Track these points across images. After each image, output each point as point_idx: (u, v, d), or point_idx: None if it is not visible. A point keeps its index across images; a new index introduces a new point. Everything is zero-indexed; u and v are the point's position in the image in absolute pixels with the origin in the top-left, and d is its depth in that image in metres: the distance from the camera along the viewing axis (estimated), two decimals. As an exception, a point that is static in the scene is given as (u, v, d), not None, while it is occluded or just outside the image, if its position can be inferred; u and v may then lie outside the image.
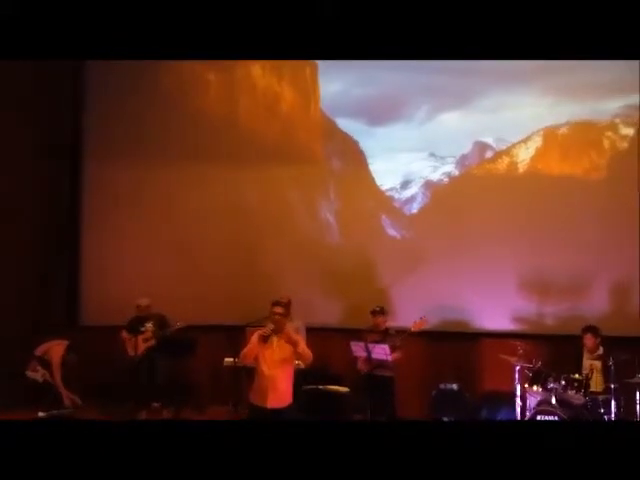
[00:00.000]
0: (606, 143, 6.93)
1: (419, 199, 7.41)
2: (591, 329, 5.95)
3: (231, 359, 6.28)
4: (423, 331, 6.16)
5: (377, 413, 5.74)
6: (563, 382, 5.59)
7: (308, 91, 7.66)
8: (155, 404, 6.73)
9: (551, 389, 5.59)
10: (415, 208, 7.42)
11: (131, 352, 6.71)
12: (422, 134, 7.29)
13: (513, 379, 6.03)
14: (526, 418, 5.75)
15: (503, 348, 6.22)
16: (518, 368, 5.98)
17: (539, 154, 7.06)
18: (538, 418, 5.52)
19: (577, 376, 5.64)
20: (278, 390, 4.61)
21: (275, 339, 4.66)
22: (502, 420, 6.32)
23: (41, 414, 6.27)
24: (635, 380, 5.59)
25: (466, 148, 7.25)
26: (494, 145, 7.22)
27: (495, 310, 6.90)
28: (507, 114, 7.02)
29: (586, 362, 5.88)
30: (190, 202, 7.71)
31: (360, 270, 7.28)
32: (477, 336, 6.96)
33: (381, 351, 5.77)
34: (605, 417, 5.58)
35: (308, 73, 7.62)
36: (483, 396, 6.75)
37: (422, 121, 7.32)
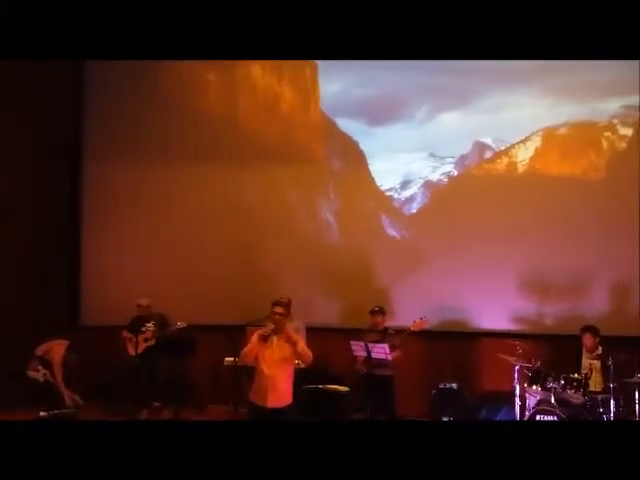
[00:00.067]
0: (605, 143, 6.94)
1: (419, 199, 7.42)
2: (590, 329, 5.96)
3: (231, 359, 6.29)
4: (423, 331, 6.18)
5: (377, 412, 5.75)
6: (562, 382, 5.60)
7: (308, 91, 7.66)
8: (156, 404, 6.75)
9: (550, 389, 5.60)
10: (415, 208, 7.43)
11: (132, 352, 6.72)
12: (422, 134, 7.30)
13: (512, 379, 6.04)
14: (525, 417, 5.75)
15: (502, 348, 6.23)
16: (517, 368, 5.99)
17: (538, 154, 7.07)
18: (537, 417, 5.53)
19: (576, 376, 5.64)
20: (278, 390, 4.61)
21: (275, 339, 4.66)
22: (501, 420, 6.33)
23: (42, 414, 6.27)
24: (634, 380, 5.60)
25: (466, 148, 7.26)
26: (493, 145, 7.23)
27: (494, 310, 6.91)
28: (507, 114, 7.03)
29: (585, 362, 5.88)
30: (190, 202, 7.72)
31: (360, 270, 7.29)
32: (476, 336, 6.97)
33: (381, 350, 5.78)
34: (604, 417, 5.59)
35: (308, 73, 7.63)
36: (483, 395, 6.76)
37: (422, 121, 7.33)
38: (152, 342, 6.72)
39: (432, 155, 7.37)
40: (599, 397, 5.64)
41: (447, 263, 7.04)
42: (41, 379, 6.68)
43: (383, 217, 7.49)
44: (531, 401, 5.91)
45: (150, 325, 6.67)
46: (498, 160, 7.23)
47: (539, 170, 7.09)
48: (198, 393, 7.07)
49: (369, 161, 7.47)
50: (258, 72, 7.76)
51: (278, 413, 4.57)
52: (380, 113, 7.39)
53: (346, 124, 7.50)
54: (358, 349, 5.93)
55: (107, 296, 7.56)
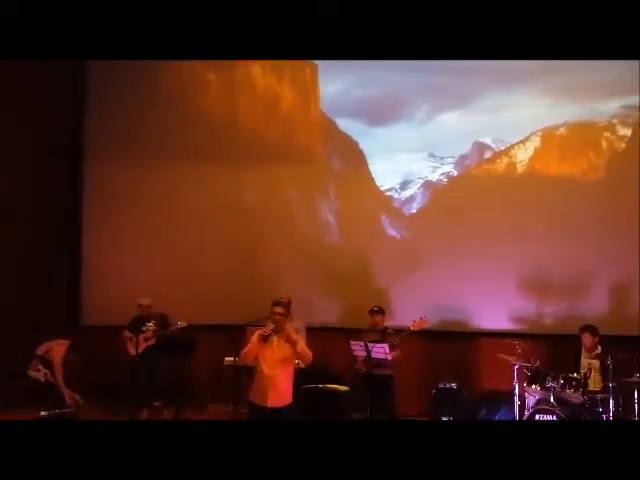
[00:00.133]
0: (604, 144, 6.95)
1: (418, 199, 7.43)
2: (589, 328, 5.97)
3: (231, 358, 6.29)
4: (422, 330, 6.18)
5: (377, 412, 5.75)
6: (561, 381, 5.61)
7: (308, 91, 7.67)
8: (156, 403, 6.76)
9: (549, 388, 5.61)
10: (414, 208, 7.44)
11: (132, 351, 6.73)
12: (422, 134, 7.31)
13: (512, 378, 6.05)
14: (525, 417, 5.76)
15: (502, 347, 6.24)
16: (517, 367, 6.00)
17: (538, 154, 7.08)
18: (537, 417, 5.53)
19: (575, 375, 5.64)
20: (278, 389, 4.62)
21: (275, 339, 4.67)
22: (501, 419, 6.34)
23: (43, 413, 6.27)
24: (633, 379, 5.61)
25: (465, 148, 7.27)
26: (493, 145, 7.24)
27: (494, 309, 6.92)
28: (506, 114, 7.04)
29: (584, 361, 5.89)
30: (190, 202, 7.72)
31: (360, 270, 7.30)
32: (476, 335, 6.98)
33: (380, 350, 5.79)
34: (603, 416, 5.60)
35: (308, 73, 7.64)
36: (482, 395, 6.77)
37: (422, 121, 7.34)
38: (152, 342, 6.73)
39: (432, 155, 7.38)
40: (598, 396, 5.64)
41: (447, 263, 7.04)
42: (42, 379, 6.69)
43: (383, 217, 7.49)
44: (530, 400, 5.92)
45: (151, 325, 6.68)
46: (498, 160, 7.24)
47: (538, 170, 7.09)
48: (198, 393, 7.08)
49: (369, 161, 7.48)
50: (258, 72, 7.77)
51: (278, 413, 4.57)
52: (380, 113, 7.39)
53: (346, 124, 7.51)
54: (358, 349, 5.94)
55: (107, 296, 7.57)
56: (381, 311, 6.30)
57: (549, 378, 5.64)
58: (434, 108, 7.29)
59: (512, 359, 6.01)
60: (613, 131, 6.89)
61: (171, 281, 7.45)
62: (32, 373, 6.72)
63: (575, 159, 7.02)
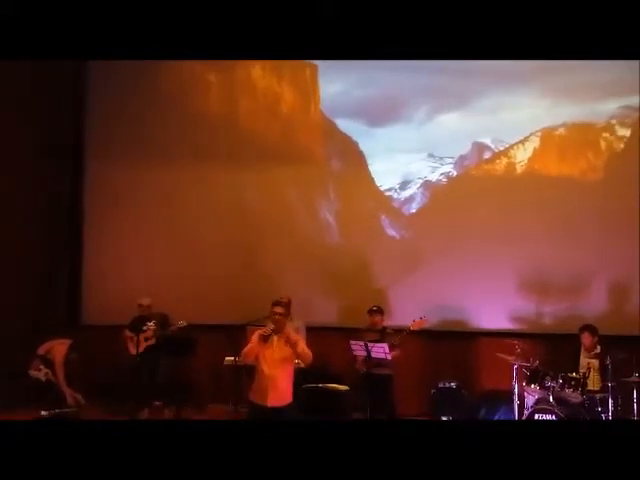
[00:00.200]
0: (603, 144, 6.96)
1: (418, 199, 7.44)
2: (588, 328, 5.97)
3: (231, 358, 6.30)
4: (422, 330, 6.19)
5: (376, 411, 5.75)
6: (560, 381, 5.61)
7: (308, 92, 7.68)
8: (156, 403, 6.76)
9: (549, 388, 5.61)
10: (414, 208, 7.45)
11: (133, 351, 6.74)
12: (421, 135, 7.32)
13: (511, 378, 6.06)
14: (524, 416, 5.77)
15: (501, 347, 6.25)
16: (516, 367, 6.01)
17: (537, 155, 7.09)
18: (536, 416, 5.54)
19: (574, 375, 5.65)
20: (278, 389, 4.63)
21: (275, 339, 4.67)
22: (500, 419, 6.35)
23: (44, 413, 6.28)
24: (632, 379, 5.62)
25: (465, 149, 7.28)
26: (492, 146, 7.25)
27: (493, 309, 6.92)
28: (505, 115, 7.05)
29: (583, 361, 5.90)
30: (190, 202, 7.73)
31: (359, 270, 7.30)
32: (475, 335, 6.99)
33: (380, 350, 5.79)
34: (602, 416, 5.61)
35: (308, 74, 7.64)
36: (481, 394, 6.77)
37: (421, 122, 7.35)
38: (152, 341, 6.74)
39: (431, 155, 7.39)
40: (597, 396, 5.65)
41: (446, 263, 7.05)
42: (43, 378, 6.70)
43: (383, 217, 7.50)
44: (529, 400, 5.93)
45: (151, 324, 6.69)
46: (497, 160, 7.25)
47: (538, 170, 7.10)
48: (198, 392, 7.09)
49: (369, 161, 7.48)
50: (258, 73, 7.78)
51: (278, 412, 4.58)
52: (380, 114, 7.40)
53: (346, 125, 7.52)
54: (358, 348, 5.94)
55: (107, 295, 7.58)
56: (380, 311, 6.31)
57: (548, 378, 5.64)
58: (434, 108, 7.30)
59: (511, 359, 6.02)
60: (612, 131, 6.90)
61: (171, 281, 7.45)
62: (33, 373, 6.72)
63: (574, 159, 7.03)
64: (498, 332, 6.77)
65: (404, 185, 7.46)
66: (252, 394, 4.74)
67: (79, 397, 6.78)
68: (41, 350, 6.79)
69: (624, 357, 5.65)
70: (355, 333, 6.22)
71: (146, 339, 6.73)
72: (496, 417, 6.40)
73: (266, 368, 4.63)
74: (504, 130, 7.10)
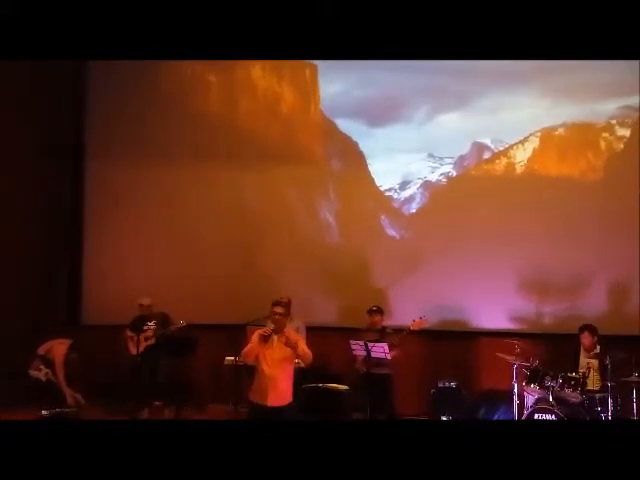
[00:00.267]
0: (603, 144, 6.97)
1: (418, 199, 7.44)
2: (588, 328, 5.98)
3: (232, 358, 6.31)
4: (422, 330, 6.19)
5: (376, 411, 5.76)
6: (560, 380, 5.62)
7: (308, 92, 7.68)
8: (157, 403, 6.77)
9: (548, 387, 5.62)
10: (414, 208, 7.45)
11: (133, 350, 6.75)
12: (421, 135, 7.32)
13: (511, 377, 6.06)
14: (523, 416, 5.77)
15: (501, 347, 6.25)
16: (516, 367, 6.01)
17: (537, 155, 7.09)
18: (535, 416, 5.54)
19: (574, 374, 5.66)
20: (278, 389, 4.63)
21: (275, 339, 4.68)
22: (500, 418, 6.36)
23: (44, 413, 6.28)
24: (632, 379, 5.62)
25: (464, 149, 7.28)
26: (492, 146, 7.25)
27: (493, 309, 6.93)
28: (505, 115, 7.06)
29: (583, 360, 5.90)
30: (190, 202, 7.73)
31: (360, 270, 7.31)
32: (475, 335, 6.99)
33: (380, 350, 5.80)
34: (602, 415, 5.60)
35: (308, 74, 7.65)
36: (481, 394, 6.78)
37: (421, 122, 7.35)
38: (152, 341, 6.74)
39: (431, 155, 7.39)
40: (597, 396, 5.65)
41: (446, 263, 7.06)
42: (43, 378, 6.71)
43: (382, 217, 7.51)
44: (529, 400, 5.93)
45: (152, 324, 6.70)
46: (497, 161, 7.26)
47: (537, 171, 7.11)
48: (198, 392, 7.09)
49: (369, 161, 7.49)
50: (258, 73, 7.78)
51: (278, 412, 4.59)
52: (380, 114, 7.40)
53: (346, 125, 7.52)
54: (358, 348, 5.95)
55: (108, 295, 7.59)
56: (380, 311, 6.32)
57: (548, 377, 5.65)
58: (434, 108, 7.31)
59: (511, 358, 6.02)
60: (612, 132, 6.91)
61: (171, 281, 7.46)
62: (33, 372, 6.73)
63: (574, 159, 7.03)
64: (498, 332, 6.78)
65: (404, 185, 7.46)
66: (252, 394, 4.74)
67: (79, 397, 6.79)
68: (41, 350, 6.80)
69: (624, 357, 5.65)
70: (355, 333, 6.23)
71: (146, 339, 6.74)
72: (496, 417, 6.41)
73: (266, 368, 4.64)
74: (504, 130, 7.10)
